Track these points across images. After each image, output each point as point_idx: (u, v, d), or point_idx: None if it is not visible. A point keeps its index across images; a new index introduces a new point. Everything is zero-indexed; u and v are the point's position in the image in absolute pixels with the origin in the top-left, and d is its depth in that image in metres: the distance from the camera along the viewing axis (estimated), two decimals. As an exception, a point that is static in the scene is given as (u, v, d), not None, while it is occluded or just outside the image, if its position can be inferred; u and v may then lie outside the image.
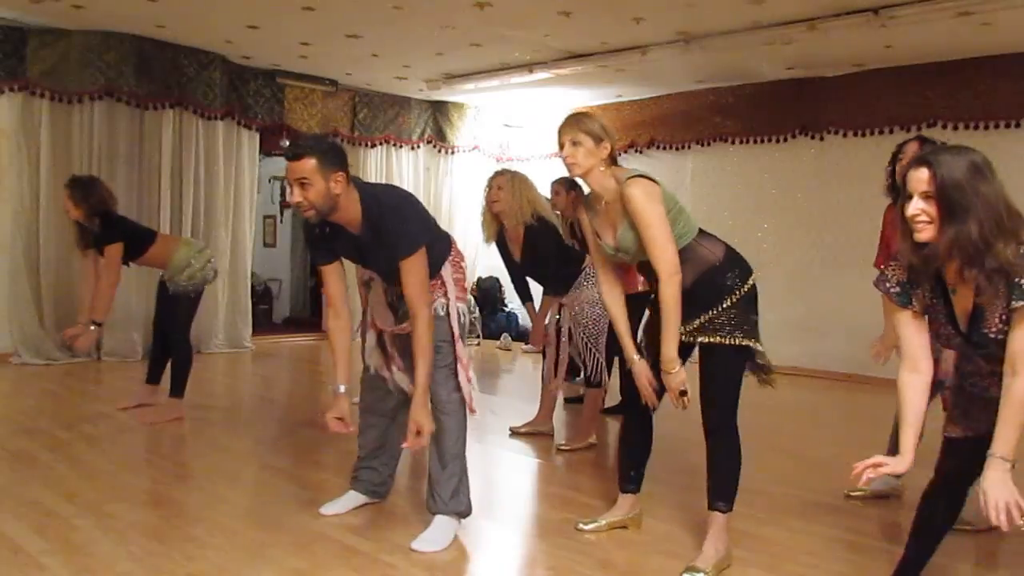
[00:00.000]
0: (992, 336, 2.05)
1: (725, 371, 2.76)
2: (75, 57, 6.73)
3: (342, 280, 3.01)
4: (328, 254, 2.95)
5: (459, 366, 3.00)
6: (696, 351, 2.86)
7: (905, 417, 2.16)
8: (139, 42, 6.90)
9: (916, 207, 1.98)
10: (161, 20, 6.35)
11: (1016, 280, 1.93)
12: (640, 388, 2.85)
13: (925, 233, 1.98)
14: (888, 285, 2.16)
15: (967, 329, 2.11)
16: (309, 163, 2.67)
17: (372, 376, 3.25)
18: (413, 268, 2.79)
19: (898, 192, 3.42)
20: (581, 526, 3.13)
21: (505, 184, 4.30)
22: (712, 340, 2.73)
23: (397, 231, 2.78)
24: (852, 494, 3.70)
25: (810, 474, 4.25)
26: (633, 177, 2.69)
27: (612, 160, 2.80)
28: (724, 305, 2.72)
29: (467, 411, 3.05)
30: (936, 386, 2.47)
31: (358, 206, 2.79)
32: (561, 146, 2.79)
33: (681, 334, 2.74)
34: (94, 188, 4.62)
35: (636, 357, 2.85)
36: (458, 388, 3.00)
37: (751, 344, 2.74)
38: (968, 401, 2.29)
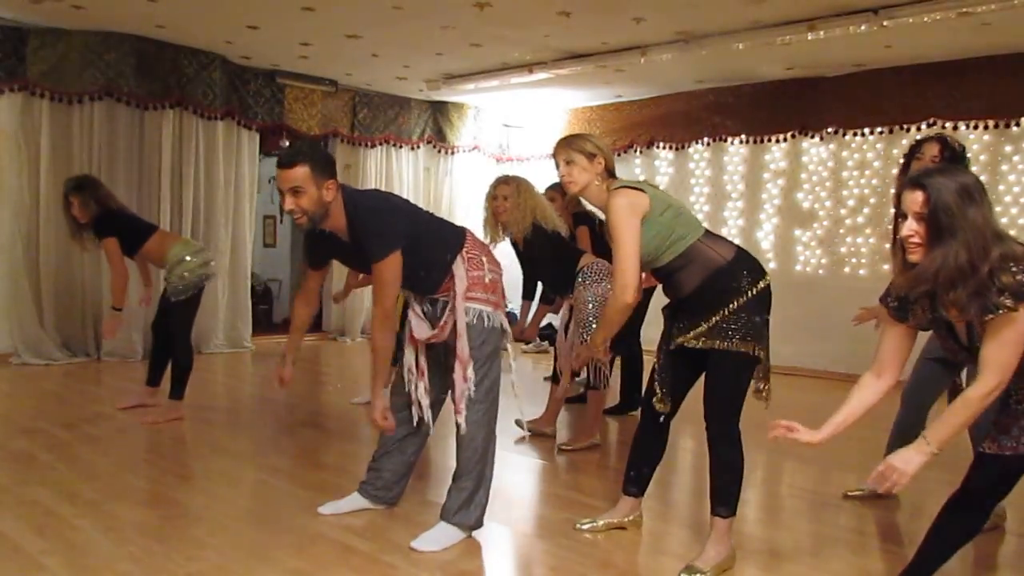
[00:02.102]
0: None
1: (729, 379, 2.72)
2: (75, 57, 6.73)
3: (321, 281, 3.26)
4: (324, 259, 3.04)
5: (456, 362, 2.93)
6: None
7: (846, 404, 2.28)
8: (139, 42, 6.90)
9: (910, 228, 2.04)
10: (161, 20, 6.35)
11: (989, 296, 1.98)
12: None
13: (916, 254, 2.04)
14: (889, 299, 2.23)
15: (967, 343, 2.17)
16: (302, 171, 2.69)
17: (402, 385, 3.19)
18: (379, 272, 2.80)
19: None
20: (579, 525, 3.14)
21: (511, 194, 4.33)
22: (720, 346, 2.67)
23: (369, 237, 2.80)
24: (851, 494, 3.70)
25: (810, 474, 4.25)
26: (619, 188, 2.76)
27: (609, 174, 2.91)
28: (732, 307, 2.65)
29: (492, 424, 2.99)
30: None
31: (344, 212, 2.82)
32: (557, 167, 2.94)
33: (686, 339, 2.73)
34: (101, 188, 4.69)
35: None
36: (490, 392, 2.95)
37: (754, 351, 2.68)
38: (1010, 418, 2.23)
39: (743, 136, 7.95)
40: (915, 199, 2.02)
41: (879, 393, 2.29)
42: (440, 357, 3.12)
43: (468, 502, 2.97)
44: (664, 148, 8.56)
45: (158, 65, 7.05)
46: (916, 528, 3.31)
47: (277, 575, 2.67)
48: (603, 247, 3.99)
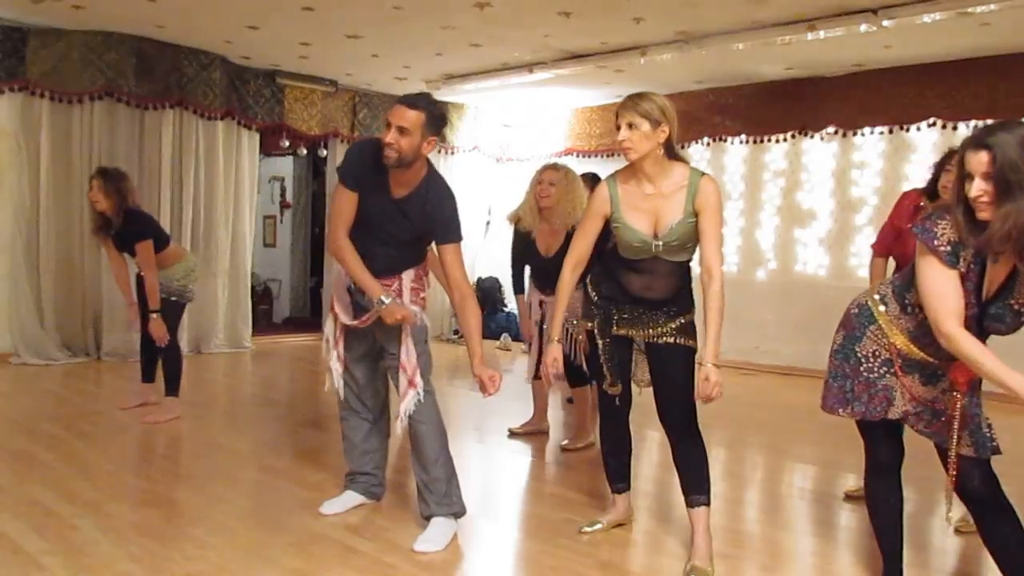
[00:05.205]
0: (1016, 308, 2.17)
1: (692, 374, 2.82)
2: (75, 57, 6.73)
3: (355, 207, 2.96)
4: (358, 182, 2.93)
5: (399, 371, 2.99)
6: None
7: (992, 359, 2.09)
8: (139, 42, 6.90)
9: (979, 188, 2.06)
10: (161, 20, 6.35)
11: None
12: (545, 364, 2.91)
13: (986, 212, 2.06)
14: (938, 243, 2.16)
15: (988, 300, 2.19)
16: (418, 116, 2.78)
17: (350, 377, 3.26)
18: (459, 254, 2.96)
19: (935, 196, 3.38)
20: (584, 529, 3.14)
21: (558, 180, 4.20)
22: (687, 343, 2.83)
23: (450, 218, 2.94)
24: (851, 494, 3.70)
25: (810, 474, 4.25)
26: (707, 174, 2.75)
27: (670, 147, 2.72)
28: (691, 316, 2.86)
29: (438, 411, 3.05)
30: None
31: (421, 176, 2.90)
32: (618, 128, 2.71)
33: (650, 333, 2.84)
34: (126, 182, 4.68)
35: (557, 340, 2.90)
36: (429, 382, 3.03)
37: (696, 346, 2.87)
38: (861, 385, 2.44)
39: (743, 136, 7.95)
40: (980, 160, 2.05)
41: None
42: (371, 340, 3.17)
43: (448, 490, 3.02)
44: (664, 148, 8.55)
45: (158, 65, 7.05)
46: (916, 528, 3.31)
47: (277, 575, 2.68)
48: None
